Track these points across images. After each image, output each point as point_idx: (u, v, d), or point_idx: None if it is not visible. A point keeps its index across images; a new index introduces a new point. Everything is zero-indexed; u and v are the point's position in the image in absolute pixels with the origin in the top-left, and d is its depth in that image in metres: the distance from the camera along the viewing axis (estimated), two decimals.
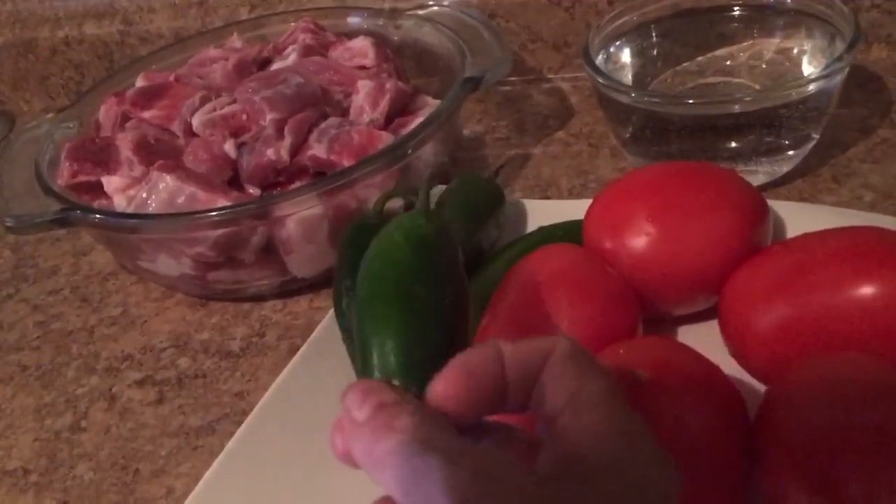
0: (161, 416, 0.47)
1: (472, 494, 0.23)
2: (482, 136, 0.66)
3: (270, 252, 0.51)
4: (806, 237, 0.39)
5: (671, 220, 0.41)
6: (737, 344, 0.39)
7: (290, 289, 0.54)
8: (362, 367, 0.35)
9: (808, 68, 0.55)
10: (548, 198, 0.58)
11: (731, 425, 0.33)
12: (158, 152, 0.54)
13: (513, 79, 0.71)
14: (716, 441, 0.32)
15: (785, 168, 0.54)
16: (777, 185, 0.54)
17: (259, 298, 0.54)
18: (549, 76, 0.71)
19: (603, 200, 0.44)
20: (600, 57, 0.56)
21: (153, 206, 0.50)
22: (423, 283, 0.34)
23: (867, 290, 0.35)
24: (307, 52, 0.61)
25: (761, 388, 0.39)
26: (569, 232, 0.46)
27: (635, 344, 0.35)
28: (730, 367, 0.39)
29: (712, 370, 0.34)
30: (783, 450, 0.31)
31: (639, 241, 0.41)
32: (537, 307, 0.39)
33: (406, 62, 0.64)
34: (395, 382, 0.30)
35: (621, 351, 0.35)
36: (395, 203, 0.52)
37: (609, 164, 0.60)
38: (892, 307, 0.34)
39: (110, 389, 0.50)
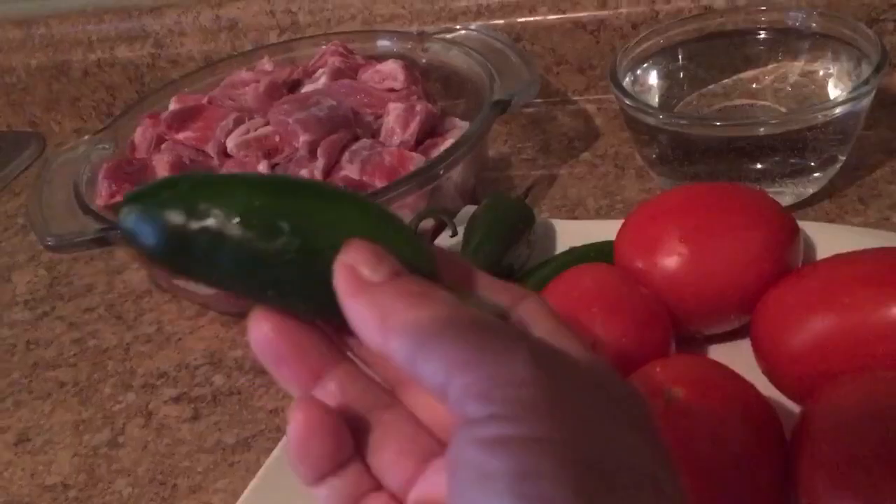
0: (197, 433, 0.48)
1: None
2: (508, 157, 0.67)
3: None
4: (838, 258, 0.39)
5: (703, 241, 0.42)
6: (770, 363, 0.40)
7: None
8: None
9: (834, 91, 0.55)
10: (575, 218, 0.58)
11: (768, 444, 0.33)
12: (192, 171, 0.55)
13: (538, 101, 0.72)
14: (753, 460, 0.32)
15: (811, 189, 0.54)
16: (804, 207, 0.54)
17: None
18: (575, 98, 0.72)
19: (635, 221, 0.45)
20: (627, 79, 0.57)
21: None
22: None
23: None
24: (337, 74, 0.62)
25: (794, 407, 0.39)
26: (599, 252, 0.47)
27: (670, 362, 0.36)
28: (761, 386, 0.40)
29: (748, 388, 0.35)
30: (821, 468, 0.31)
31: (671, 262, 0.42)
32: (572, 326, 0.40)
33: (433, 85, 0.65)
34: None
35: (657, 369, 0.35)
36: (427, 223, 0.53)
37: (635, 185, 0.60)
38: None
39: (147, 406, 0.51)
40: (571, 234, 0.52)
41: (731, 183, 0.46)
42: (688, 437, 0.32)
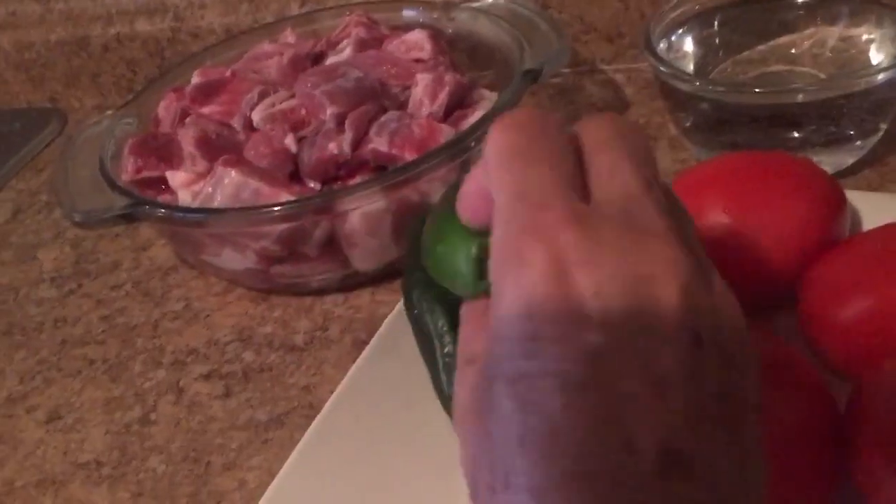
0: (229, 410, 0.48)
1: None
2: None
3: (332, 246, 0.51)
4: (887, 228, 0.38)
5: (747, 211, 0.41)
6: (817, 336, 0.39)
7: (352, 283, 0.54)
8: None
9: (877, 57, 0.54)
10: None
11: (822, 415, 0.32)
12: (220, 147, 0.54)
13: (566, 70, 0.70)
14: (807, 430, 0.32)
15: (852, 159, 0.53)
16: (844, 176, 0.53)
17: (320, 292, 0.54)
18: (603, 67, 0.70)
19: (677, 188, 0.43)
20: (661, 45, 0.55)
21: (219, 201, 0.50)
22: None
23: None
24: (362, 45, 0.61)
25: (841, 382, 0.38)
26: None
27: None
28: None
29: (801, 360, 0.34)
30: (878, 447, 0.30)
31: (715, 232, 0.41)
32: None
33: (459, 55, 0.64)
34: None
35: None
36: None
37: (669, 156, 0.59)
38: None
39: (178, 383, 0.50)
40: None
41: (775, 151, 0.44)
42: None
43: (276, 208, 0.48)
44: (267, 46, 0.64)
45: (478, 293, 0.29)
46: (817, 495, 0.32)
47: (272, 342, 0.52)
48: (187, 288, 0.58)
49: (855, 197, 0.45)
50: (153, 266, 0.60)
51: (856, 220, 0.44)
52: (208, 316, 0.55)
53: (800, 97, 0.50)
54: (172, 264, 0.60)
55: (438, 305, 0.43)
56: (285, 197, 0.49)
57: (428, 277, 0.44)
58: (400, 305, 0.45)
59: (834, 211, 0.41)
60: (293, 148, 0.54)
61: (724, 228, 0.41)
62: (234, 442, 0.46)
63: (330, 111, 0.54)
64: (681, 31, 0.57)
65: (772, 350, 0.33)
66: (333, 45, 0.63)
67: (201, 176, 0.53)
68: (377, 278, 0.54)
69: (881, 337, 0.36)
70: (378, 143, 0.53)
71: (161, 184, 0.55)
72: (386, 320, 0.46)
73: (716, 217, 0.41)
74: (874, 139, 0.53)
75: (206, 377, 0.50)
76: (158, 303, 0.57)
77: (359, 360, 0.44)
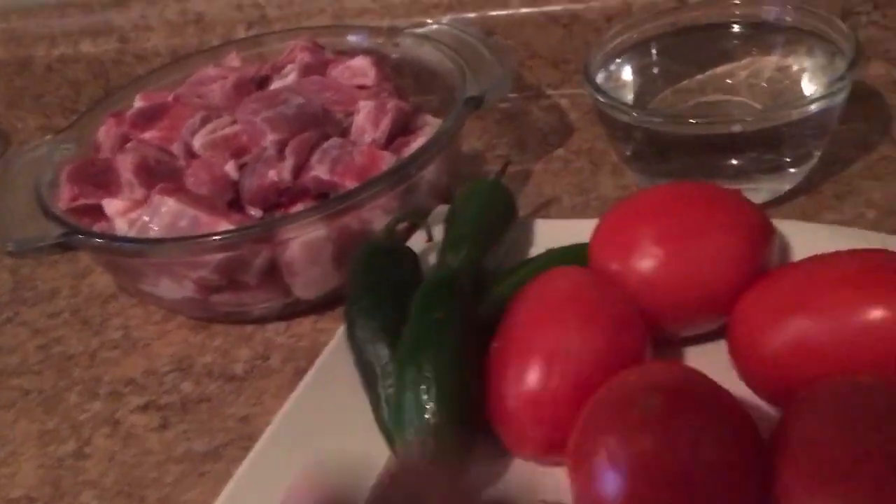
0: (166, 442, 0.47)
1: None
2: (482, 153, 0.66)
3: (273, 274, 0.51)
4: (814, 259, 0.39)
5: (679, 243, 0.41)
6: (746, 366, 0.39)
7: (293, 311, 0.53)
8: (394, 418, 0.38)
9: (809, 86, 0.55)
10: (550, 216, 0.58)
11: (746, 451, 0.33)
12: (159, 174, 0.54)
13: (512, 96, 0.71)
14: (732, 467, 0.32)
15: (787, 186, 0.54)
16: (779, 203, 0.54)
17: (261, 320, 0.53)
18: (549, 92, 0.71)
19: (609, 222, 0.44)
20: (601, 75, 0.56)
21: (155, 230, 0.50)
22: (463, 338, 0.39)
23: (877, 314, 0.35)
24: (306, 70, 0.61)
25: (769, 410, 0.39)
26: (577, 255, 0.46)
27: (647, 370, 0.35)
28: (737, 389, 0.39)
29: (724, 395, 0.34)
30: (800, 476, 0.31)
31: (646, 264, 0.41)
32: (546, 331, 0.39)
33: (404, 80, 0.64)
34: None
35: (633, 377, 0.35)
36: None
37: (611, 182, 0.60)
38: None
39: (114, 415, 0.50)
40: (548, 233, 0.51)
41: (706, 183, 0.45)
42: (666, 445, 0.32)
43: (213, 238, 0.48)
44: (211, 70, 0.64)
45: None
46: None
47: (211, 371, 0.51)
48: (126, 316, 0.57)
49: (786, 227, 0.46)
50: (92, 294, 0.59)
51: (788, 251, 0.45)
52: (147, 345, 0.54)
53: (735, 128, 0.51)
54: (112, 292, 0.59)
55: (381, 336, 0.43)
56: (224, 226, 0.49)
57: (370, 306, 0.44)
58: (341, 333, 0.45)
59: (763, 242, 0.42)
60: (234, 175, 0.54)
61: (657, 260, 0.41)
62: (169, 476, 0.45)
63: (271, 138, 0.54)
64: (620, 59, 0.58)
65: (695, 384, 0.34)
66: (278, 70, 0.63)
67: (139, 203, 0.53)
68: (319, 306, 0.53)
69: (807, 366, 0.36)
70: (319, 170, 0.53)
71: (99, 212, 0.54)
72: (326, 349, 0.46)
73: (648, 249, 0.41)
74: (808, 166, 0.54)
75: (144, 408, 0.50)
76: (97, 331, 0.56)
77: (297, 390, 0.44)
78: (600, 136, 0.63)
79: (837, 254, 0.38)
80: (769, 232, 0.42)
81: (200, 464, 0.45)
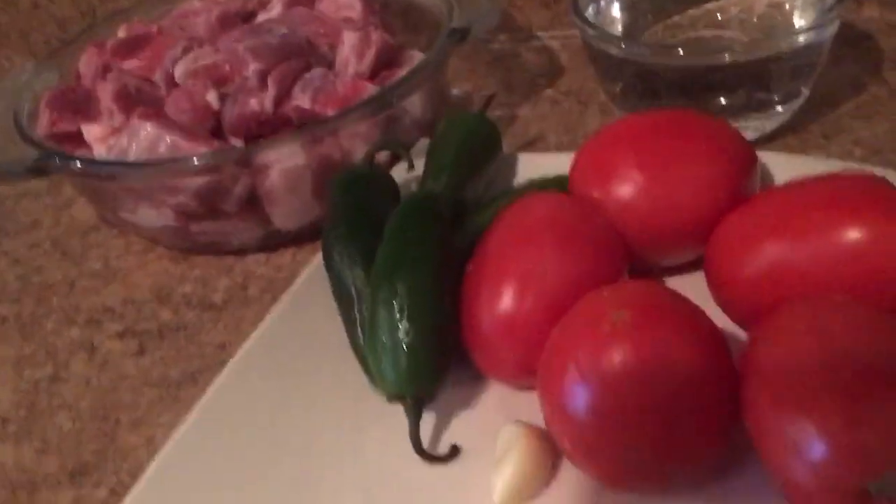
0: (142, 368, 0.47)
1: None
2: (470, 95, 0.65)
3: (253, 204, 0.51)
4: (793, 184, 0.38)
5: (659, 168, 0.41)
6: (723, 292, 0.39)
7: (274, 242, 0.53)
8: (369, 339, 0.38)
9: (799, 21, 0.54)
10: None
11: (716, 366, 0.32)
12: (139, 102, 0.53)
13: (501, 37, 0.70)
14: (700, 381, 0.32)
15: (775, 124, 0.53)
16: (767, 142, 0.53)
17: (242, 252, 0.53)
18: (539, 34, 0.70)
19: (590, 148, 0.43)
20: (590, 9, 0.55)
21: (134, 154, 0.49)
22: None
23: (854, 235, 0.35)
24: (292, 3, 0.60)
25: (746, 337, 0.39)
26: (558, 185, 0.46)
27: (619, 287, 0.35)
28: (716, 318, 0.39)
29: (696, 312, 0.34)
30: (765, 388, 0.31)
31: (626, 190, 0.41)
32: (522, 253, 0.39)
33: (393, 17, 0.63)
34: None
35: (605, 293, 0.34)
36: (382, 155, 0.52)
37: (598, 121, 0.59)
38: (878, 252, 0.34)
39: (91, 341, 0.49)
40: (532, 167, 0.51)
41: (689, 110, 0.44)
42: (634, 358, 0.31)
43: (191, 161, 0.47)
44: (196, 3, 0.63)
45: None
46: (712, 441, 0.33)
47: (190, 301, 0.51)
48: (107, 247, 0.56)
49: (771, 158, 0.45)
50: (74, 225, 0.59)
51: (771, 182, 0.45)
52: (127, 275, 0.54)
53: (725, 59, 0.50)
54: (93, 224, 0.59)
55: (358, 261, 0.42)
56: (203, 151, 0.48)
57: (348, 231, 0.44)
58: (319, 259, 0.45)
59: (744, 169, 0.41)
60: (215, 104, 0.53)
61: (636, 185, 0.41)
62: (144, 399, 0.45)
63: (253, 67, 0.53)
64: None
65: (666, 301, 0.34)
66: (264, 5, 0.62)
67: (118, 130, 0.52)
68: (300, 238, 0.53)
69: (783, 290, 0.36)
70: (301, 100, 0.52)
71: (79, 139, 0.54)
72: (303, 273, 0.46)
73: (628, 174, 0.41)
74: (797, 104, 0.53)
75: (121, 335, 0.49)
76: (77, 262, 0.56)
77: (272, 311, 0.44)
78: (589, 77, 0.62)
79: (815, 178, 0.38)
80: (751, 160, 0.42)
81: (176, 389, 0.45)
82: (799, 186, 0.38)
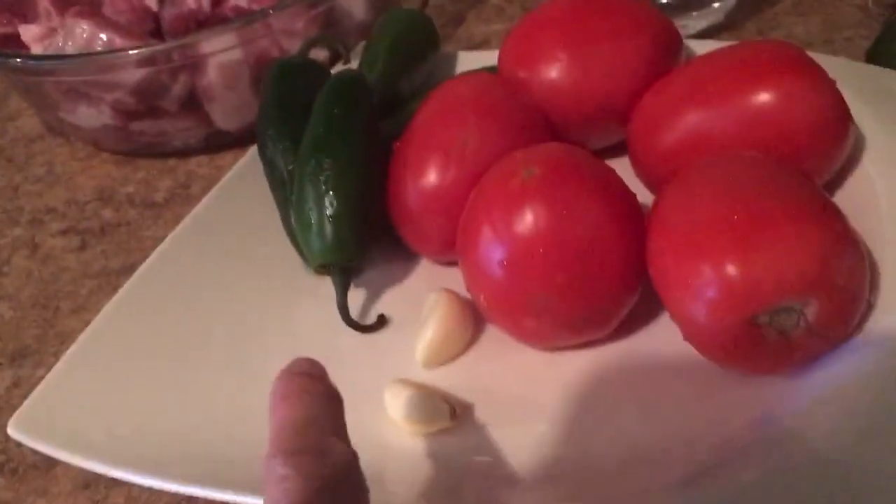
0: (83, 261, 0.48)
1: None
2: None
3: (194, 102, 0.51)
4: (708, 55, 0.39)
5: (581, 47, 0.41)
6: (643, 165, 0.40)
7: (216, 143, 0.53)
8: (296, 212, 0.39)
9: None
10: None
11: (622, 219, 0.33)
12: (77, 2, 0.53)
13: None
14: (606, 232, 0.33)
15: (711, 21, 0.54)
16: (703, 38, 0.54)
17: (185, 153, 0.54)
18: None
19: (518, 31, 0.44)
20: None
21: (70, 52, 0.49)
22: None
23: (762, 97, 0.35)
24: None
25: None
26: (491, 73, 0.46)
27: (533, 148, 0.35)
28: (645, 197, 0.40)
29: (606, 170, 0.35)
30: (669, 234, 0.32)
31: (550, 69, 0.41)
32: (445, 128, 0.39)
33: None
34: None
35: (518, 154, 0.35)
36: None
37: None
38: (783, 110, 0.35)
39: (33, 239, 0.50)
40: (472, 64, 0.51)
41: None
42: (542, 211, 0.32)
43: (125, 53, 0.47)
44: None
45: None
46: (620, 292, 0.34)
47: (133, 200, 0.51)
48: (52, 154, 0.57)
49: (701, 46, 0.46)
50: (19, 135, 0.59)
51: None
52: (70, 178, 0.54)
53: None
54: (39, 133, 0.59)
55: (290, 146, 0.43)
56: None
57: (280, 117, 0.44)
58: (255, 149, 0.45)
59: (668, 48, 0.42)
60: (154, 6, 0.53)
61: (560, 64, 0.41)
62: (84, 289, 0.46)
63: None
64: None
65: (577, 159, 0.34)
66: None
67: (55, 31, 0.52)
68: (242, 139, 0.53)
69: (699, 156, 0.37)
70: None
71: (17, 40, 0.53)
72: (239, 162, 0.46)
73: (552, 54, 0.41)
74: (731, 1, 0.54)
75: (63, 233, 0.50)
76: (21, 168, 0.56)
77: (207, 197, 0.44)
78: None
79: (729, 47, 0.38)
80: (673, 37, 0.42)
81: (115, 278, 0.46)
82: (713, 57, 0.39)
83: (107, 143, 0.54)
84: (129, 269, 0.46)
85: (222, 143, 0.53)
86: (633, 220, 0.34)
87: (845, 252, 0.30)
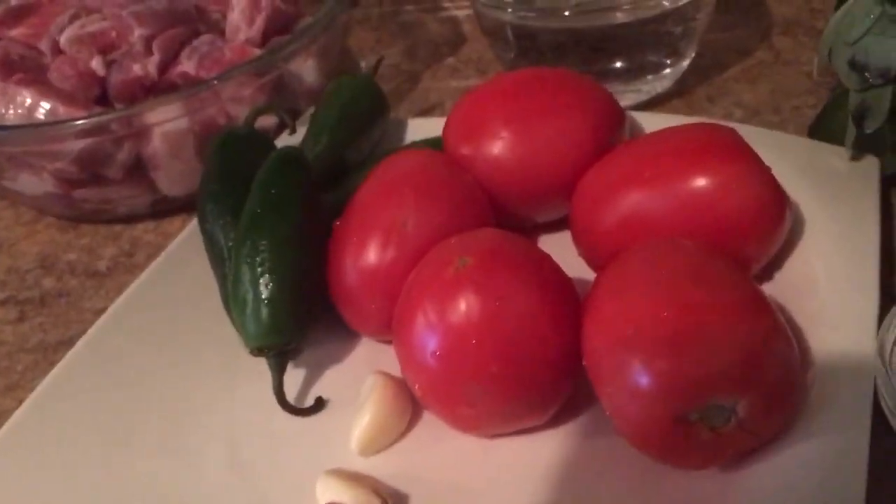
0: (20, 334, 0.46)
1: None
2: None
3: (139, 170, 0.50)
4: (651, 135, 0.39)
5: (525, 124, 0.41)
6: (584, 243, 0.39)
7: (163, 209, 0.53)
8: (232, 293, 0.38)
9: None
10: None
11: (556, 308, 0.33)
12: (22, 69, 0.52)
13: (408, 7, 0.70)
14: (540, 322, 0.32)
15: (662, 87, 0.54)
16: (654, 105, 0.54)
17: (130, 219, 0.53)
18: (445, 5, 0.70)
19: (462, 106, 0.44)
20: None
21: (11, 121, 0.48)
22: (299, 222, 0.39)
23: (698, 183, 0.35)
24: None
25: None
26: (435, 146, 0.46)
27: (468, 235, 0.35)
28: (586, 273, 0.40)
29: (541, 257, 0.34)
30: (600, 326, 0.31)
31: (494, 146, 0.41)
32: (386, 206, 0.39)
33: None
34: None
35: (453, 241, 0.35)
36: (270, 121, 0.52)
37: None
38: (719, 198, 0.35)
39: None
40: (421, 131, 0.51)
41: (560, 69, 0.45)
42: (477, 301, 0.32)
43: (66, 124, 0.47)
44: None
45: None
46: (555, 382, 0.33)
47: (75, 269, 0.50)
48: None
49: (646, 118, 0.46)
50: None
51: None
52: (13, 244, 0.53)
53: (608, 19, 0.51)
54: None
55: (230, 220, 0.42)
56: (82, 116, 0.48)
57: (221, 190, 0.44)
58: (196, 222, 0.45)
59: (610, 124, 0.42)
60: (101, 71, 0.52)
61: (503, 141, 0.41)
62: (20, 364, 0.45)
63: (138, 33, 0.52)
64: None
65: (511, 247, 0.34)
66: None
67: None
68: (189, 206, 0.52)
69: (636, 238, 0.36)
70: (187, 66, 0.52)
71: None
72: (181, 233, 0.45)
73: (495, 130, 0.41)
74: (682, 67, 0.54)
75: (2, 303, 0.49)
76: None
77: (146, 272, 0.43)
78: (490, 47, 0.63)
79: (669, 129, 0.38)
80: (617, 115, 0.42)
81: (52, 353, 0.45)
82: (653, 138, 0.39)
83: (50, 209, 0.53)
84: (67, 344, 0.45)
85: (169, 208, 0.53)
86: (569, 309, 0.33)
87: (776, 349, 0.30)
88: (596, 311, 0.32)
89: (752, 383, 0.29)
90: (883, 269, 0.36)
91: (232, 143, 0.45)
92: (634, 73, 0.53)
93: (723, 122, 0.49)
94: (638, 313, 0.30)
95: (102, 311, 0.47)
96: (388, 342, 0.40)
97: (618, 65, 0.53)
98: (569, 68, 0.52)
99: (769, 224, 0.35)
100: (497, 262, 0.33)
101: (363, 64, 0.65)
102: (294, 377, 0.39)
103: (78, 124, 0.46)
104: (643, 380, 0.29)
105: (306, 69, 0.54)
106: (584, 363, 0.32)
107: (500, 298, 0.32)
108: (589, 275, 0.40)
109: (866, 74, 0.39)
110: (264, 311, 0.37)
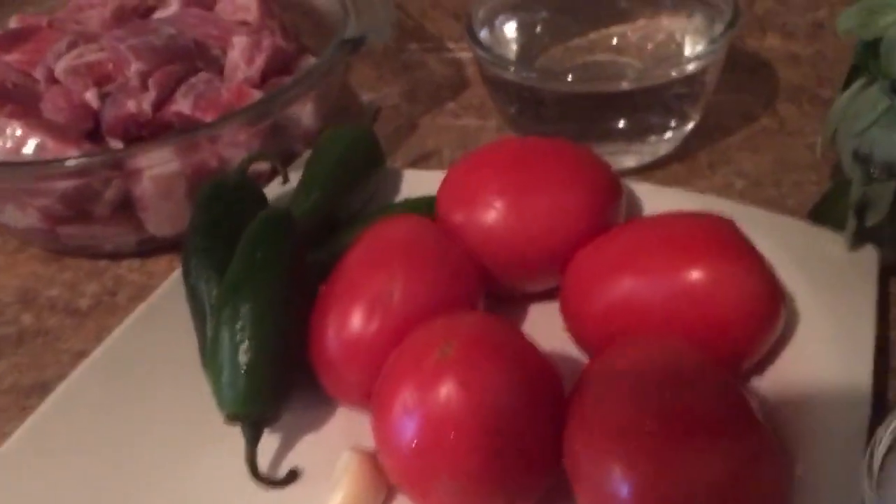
0: None
1: None
2: (373, 102, 0.64)
3: (127, 209, 0.49)
4: (646, 220, 0.39)
5: (519, 196, 0.40)
6: (573, 323, 0.39)
7: (150, 248, 0.52)
8: (210, 356, 0.38)
9: (690, 48, 0.54)
10: (428, 168, 0.56)
11: (539, 401, 0.32)
12: (15, 98, 0.51)
13: (412, 46, 0.69)
14: (521, 416, 0.31)
15: (662, 151, 0.53)
16: (655, 168, 0.53)
17: (115, 256, 0.52)
18: (450, 45, 0.69)
19: (456, 172, 0.43)
20: (485, 31, 0.55)
21: None
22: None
23: (692, 277, 0.35)
24: (189, 2, 0.59)
25: None
26: (430, 206, 0.45)
27: (453, 318, 0.34)
28: (570, 347, 0.39)
29: (526, 347, 0.33)
30: (582, 430, 0.30)
31: (486, 216, 0.40)
32: (373, 276, 0.38)
33: (299, 20, 0.62)
34: None
35: (439, 324, 0.34)
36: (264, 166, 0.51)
37: (493, 138, 0.58)
38: (712, 295, 0.34)
39: None
40: (416, 184, 0.50)
41: (557, 139, 0.44)
42: (456, 394, 0.31)
43: (52, 164, 0.46)
44: None
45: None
46: (535, 477, 0.32)
47: (55, 305, 0.49)
48: None
49: (643, 190, 0.46)
50: None
51: (640, 213, 0.45)
52: None
53: (611, 85, 0.50)
54: None
55: (214, 275, 0.41)
56: (71, 154, 0.47)
57: (207, 244, 0.43)
58: (179, 271, 0.44)
59: (606, 200, 0.41)
60: (94, 103, 0.51)
61: (497, 213, 0.40)
62: None
63: (135, 67, 0.51)
64: (503, 16, 0.56)
65: (496, 334, 0.33)
66: (162, 0, 0.61)
67: None
68: (178, 245, 0.51)
69: (630, 325, 0.36)
70: (182, 105, 0.51)
71: None
72: (165, 284, 0.44)
73: (489, 200, 0.40)
74: (684, 131, 0.53)
75: None
76: None
77: (128, 319, 0.42)
78: None
79: (667, 215, 0.38)
80: (614, 190, 0.42)
81: (25, 398, 0.44)
82: (650, 223, 0.38)
83: (35, 241, 0.52)
84: (41, 388, 0.44)
85: (156, 247, 0.52)
86: (552, 406, 0.32)
87: (761, 465, 0.29)
88: (579, 411, 0.31)
89: (735, 501, 0.28)
90: (879, 364, 0.35)
91: (220, 195, 0.44)
92: (638, 133, 0.53)
93: (723, 196, 0.49)
94: (621, 421, 0.29)
95: (80, 353, 0.46)
96: (367, 412, 0.39)
97: (620, 125, 0.52)
98: (570, 126, 0.52)
99: (763, 325, 0.35)
100: (481, 352, 0.32)
101: (364, 99, 0.64)
102: (269, 443, 0.38)
103: (65, 165, 0.45)
104: (623, 489, 0.28)
105: (305, 113, 0.54)
106: (564, 462, 0.31)
107: (481, 391, 0.31)
108: (578, 356, 0.39)
109: (870, 168, 0.39)
110: (242, 380, 0.36)
